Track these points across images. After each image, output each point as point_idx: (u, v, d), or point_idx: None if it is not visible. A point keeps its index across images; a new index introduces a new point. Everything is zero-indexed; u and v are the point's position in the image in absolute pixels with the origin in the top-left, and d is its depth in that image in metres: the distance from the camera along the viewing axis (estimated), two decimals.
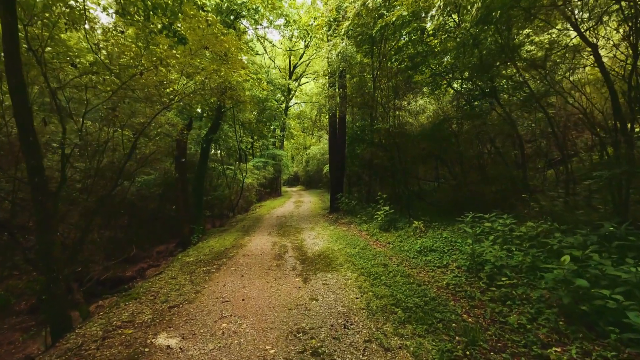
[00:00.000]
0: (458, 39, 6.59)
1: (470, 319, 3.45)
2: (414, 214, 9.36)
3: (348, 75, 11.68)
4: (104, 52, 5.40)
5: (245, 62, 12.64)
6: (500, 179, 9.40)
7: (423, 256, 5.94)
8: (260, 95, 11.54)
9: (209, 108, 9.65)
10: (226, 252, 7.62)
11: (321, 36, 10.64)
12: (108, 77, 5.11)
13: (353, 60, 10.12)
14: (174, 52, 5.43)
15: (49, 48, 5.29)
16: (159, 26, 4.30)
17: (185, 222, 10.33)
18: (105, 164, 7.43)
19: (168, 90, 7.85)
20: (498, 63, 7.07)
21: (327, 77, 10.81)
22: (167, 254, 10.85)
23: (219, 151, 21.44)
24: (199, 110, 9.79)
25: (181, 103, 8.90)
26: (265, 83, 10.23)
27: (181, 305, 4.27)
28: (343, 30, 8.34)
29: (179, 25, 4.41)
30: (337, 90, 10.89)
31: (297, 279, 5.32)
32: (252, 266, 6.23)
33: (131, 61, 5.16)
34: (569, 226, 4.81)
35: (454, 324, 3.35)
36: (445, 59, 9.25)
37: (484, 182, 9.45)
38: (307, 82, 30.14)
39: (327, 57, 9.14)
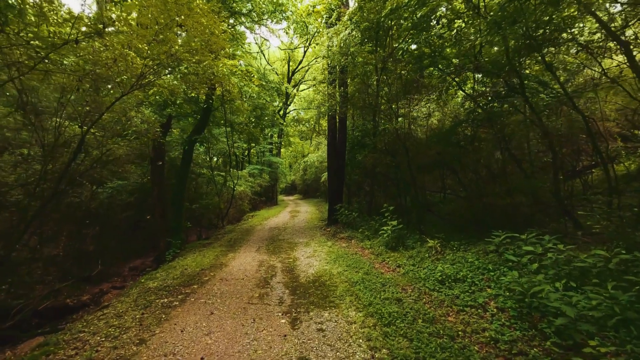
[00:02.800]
0: (489, 18, 5.43)
1: None
2: (426, 230, 8.07)
3: (350, 77, 10.58)
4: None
5: (242, 64, 11.50)
6: (524, 190, 8.13)
7: (447, 288, 4.62)
8: (252, 93, 10.35)
9: (187, 103, 8.47)
10: (201, 274, 6.26)
11: (320, 26, 9.54)
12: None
13: (356, 58, 8.99)
14: (124, 14, 4.23)
15: None
16: None
17: (161, 235, 8.97)
18: (57, 166, 6.12)
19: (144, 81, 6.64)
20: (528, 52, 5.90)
21: (326, 71, 9.66)
22: (141, 271, 9.45)
23: (214, 158, 20.20)
24: (180, 103, 8.56)
25: (157, 97, 7.68)
26: (256, 78, 9.07)
27: None
28: (347, 16, 7.22)
29: None
30: (337, 88, 9.72)
31: (284, 320, 3.97)
32: (228, 297, 4.87)
33: (59, 25, 3.92)
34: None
35: None
36: (457, 60, 8.15)
37: (507, 194, 8.20)
38: (306, 88, 29.16)
39: (328, 46, 7.99)
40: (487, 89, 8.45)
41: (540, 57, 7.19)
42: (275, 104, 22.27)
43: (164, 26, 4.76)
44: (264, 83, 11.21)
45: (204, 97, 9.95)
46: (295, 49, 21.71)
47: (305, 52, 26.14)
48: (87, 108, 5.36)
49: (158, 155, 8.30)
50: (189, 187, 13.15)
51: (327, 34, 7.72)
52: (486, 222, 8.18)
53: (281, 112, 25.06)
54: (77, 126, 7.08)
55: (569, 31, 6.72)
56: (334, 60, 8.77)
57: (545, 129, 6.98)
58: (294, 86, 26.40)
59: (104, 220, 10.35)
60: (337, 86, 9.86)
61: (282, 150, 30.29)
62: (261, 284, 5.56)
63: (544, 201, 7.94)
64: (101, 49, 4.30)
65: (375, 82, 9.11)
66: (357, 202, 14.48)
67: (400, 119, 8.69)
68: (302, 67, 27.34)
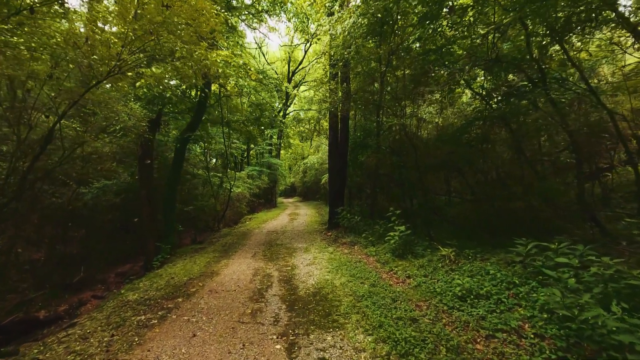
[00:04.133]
0: None
1: None
2: (436, 236, 7.45)
3: (352, 73, 10.00)
4: None
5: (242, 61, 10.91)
6: (540, 193, 7.52)
7: (469, 306, 3.99)
8: (249, 87, 9.75)
9: (180, 98, 7.86)
10: (188, 284, 5.62)
11: (322, 18, 8.95)
12: None
13: (360, 51, 8.41)
14: None
15: None
16: None
17: (150, 239, 8.34)
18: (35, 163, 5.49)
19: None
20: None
21: (327, 65, 9.06)
22: (128, 277, 8.79)
23: (213, 159, 19.64)
24: (170, 97, 7.95)
25: (145, 90, 7.09)
26: (254, 71, 8.45)
27: None
28: (352, 4, 6.64)
29: None
30: (339, 84, 9.13)
31: (279, 346, 3.34)
32: (216, 314, 4.24)
33: None
34: None
35: None
36: (466, 55, 7.59)
37: (522, 197, 7.60)
38: (306, 90, 28.62)
39: (330, 34, 7.40)
40: (503, 85, 7.86)
41: (561, 50, 6.66)
42: (276, 104, 21.69)
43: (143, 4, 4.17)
44: (261, 77, 10.60)
45: (199, 93, 9.38)
46: (296, 46, 21.18)
47: (306, 51, 25.63)
48: (53, 94, 4.73)
49: (146, 152, 7.68)
50: (183, 188, 12.54)
51: (329, 21, 7.12)
52: (497, 227, 7.61)
53: (281, 113, 24.51)
54: (55, 119, 6.49)
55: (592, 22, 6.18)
56: (337, 53, 8.18)
57: (570, 128, 6.38)
58: (294, 87, 25.86)
59: (89, 223, 9.72)
60: (339, 82, 9.26)
61: (281, 151, 29.74)
62: (255, 297, 4.93)
63: (562, 205, 7.36)
64: (76, 29, 3.71)
65: (379, 75, 8.53)
66: (359, 205, 13.86)
67: (410, 109, 8.07)
68: (303, 68, 26.79)
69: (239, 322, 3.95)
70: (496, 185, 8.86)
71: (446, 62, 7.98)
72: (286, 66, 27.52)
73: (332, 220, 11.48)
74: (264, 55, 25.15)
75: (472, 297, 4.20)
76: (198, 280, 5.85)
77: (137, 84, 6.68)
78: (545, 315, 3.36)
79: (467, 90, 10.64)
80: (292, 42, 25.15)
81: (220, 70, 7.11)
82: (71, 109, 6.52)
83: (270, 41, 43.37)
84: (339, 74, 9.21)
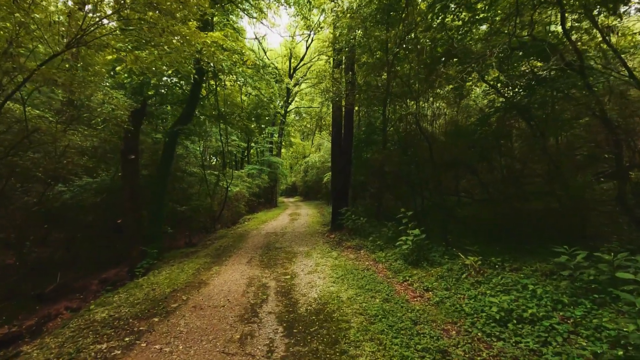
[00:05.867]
0: None
1: None
2: (456, 242, 6.65)
3: (357, 65, 9.20)
4: None
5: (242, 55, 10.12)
6: (570, 192, 6.69)
7: (513, 334, 3.18)
8: (245, 75, 8.94)
9: (171, 89, 7.09)
10: (170, 298, 4.83)
11: (324, 2, 8.14)
12: None
13: (368, 35, 7.60)
14: None
15: None
16: None
17: (135, 242, 7.56)
18: None
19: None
20: None
21: (331, 48, 8.26)
22: (109, 284, 8.01)
23: (213, 158, 18.86)
24: (155, 84, 7.18)
25: (125, 75, 6.31)
26: (250, 57, 7.67)
27: None
28: None
29: None
30: (343, 73, 8.33)
31: None
32: (197, 340, 3.44)
33: None
34: None
35: None
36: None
37: (552, 197, 6.78)
38: (308, 87, 27.78)
39: (335, 12, 6.60)
40: (526, 73, 7.05)
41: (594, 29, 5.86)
42: (277, 102, 20.89)
43: None
44: (258, 62, 9.78)
45: (191, 83, 8.59)
46: (298, 41, 20.37)
47: (307, 46, 24.81)
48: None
49: (129, 147, 6.90)
50: (176, 187, 11.76)
51: None
52: (517, 230, 6.84)
53: (282, 111, 23.74)
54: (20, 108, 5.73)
55: None
56: (342, 38, 7.38)
57: (610, 121, 5.56)
58: (295, 84, 25.05)
59: (75, 224, 8.93)
60: (343, 69, 8.46)
61: (282, 150, 28.96)
62: (246, 315, 4.13)
63: (592, 206, 6.56)
64: None
65: (387, 63, 7.72)
66: (363, 205, 13.08)
67: (428, 96, 7.25)
68: (304, 64, 25.98)
69: (223, 353, 3.15)
70: (514, 183, 8.06)
71: (461, 46, 7.18)
72: (287, 62, 26.71)
73: (335, 221, 10.71)
74: (264, 51, 24.38)
75: (512, 319, 3.39)
76: (182, 293, 5.05)
77: (118, 68, 5.89)
78: (621, 353, 2.56)
79: (480, 83, 9.87)
80: (293, 37, 24.38)
81: (215, 58, 6.30)
82: (43, 98, 5.75)
83: (272, 33, 42.66)
84: (344, 60, 8.40)
